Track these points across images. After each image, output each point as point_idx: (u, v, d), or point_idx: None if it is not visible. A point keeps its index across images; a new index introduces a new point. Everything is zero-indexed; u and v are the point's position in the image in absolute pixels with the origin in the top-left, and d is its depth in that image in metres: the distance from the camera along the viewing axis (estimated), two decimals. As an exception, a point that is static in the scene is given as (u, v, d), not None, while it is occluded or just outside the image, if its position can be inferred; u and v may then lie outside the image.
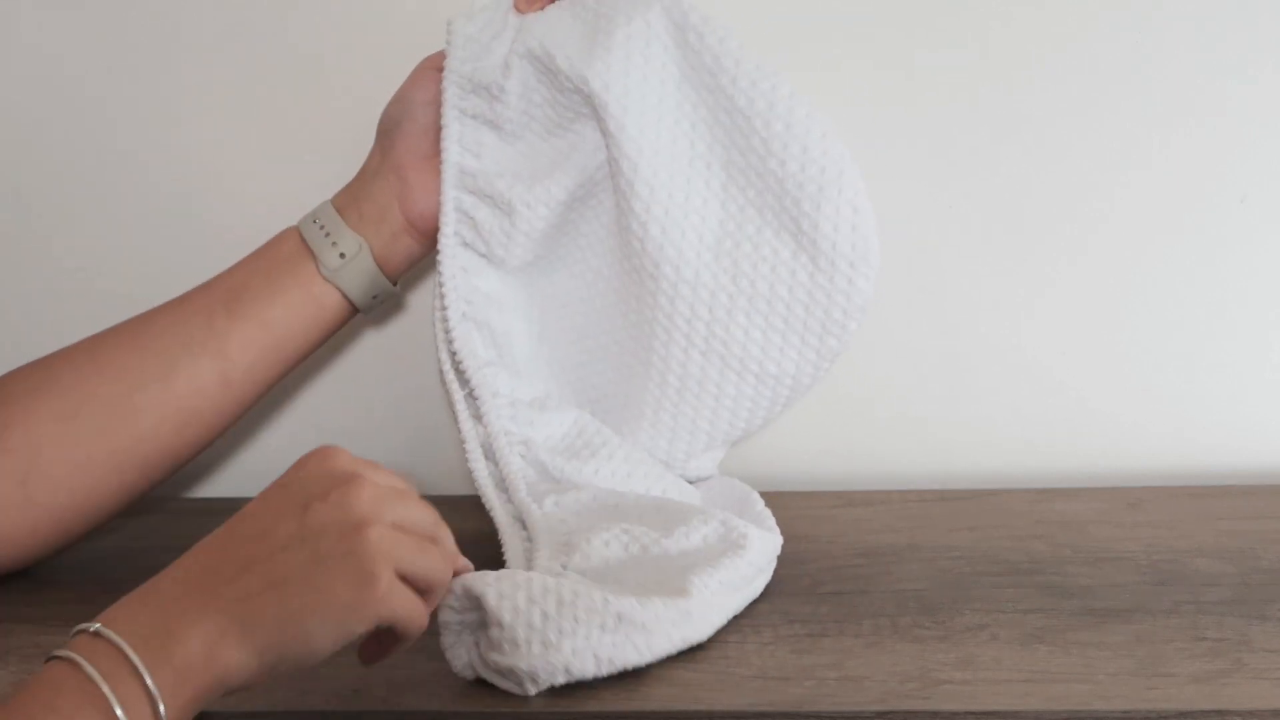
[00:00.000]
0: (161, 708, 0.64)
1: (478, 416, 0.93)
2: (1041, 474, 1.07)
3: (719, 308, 0.94)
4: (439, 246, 0.93)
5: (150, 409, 0.90)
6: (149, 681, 0.64)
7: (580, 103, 0.92)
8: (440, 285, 0.93)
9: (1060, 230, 1.03)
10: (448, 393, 0.94)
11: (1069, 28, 1.00)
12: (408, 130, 0.93)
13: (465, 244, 0.94)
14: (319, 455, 0.72)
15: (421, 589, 0.70)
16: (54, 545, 0.90)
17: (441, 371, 0.94)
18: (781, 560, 0.92)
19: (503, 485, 0.91)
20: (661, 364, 0.95)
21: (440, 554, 0.71)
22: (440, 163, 0.93)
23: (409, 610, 0.69)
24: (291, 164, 1.00)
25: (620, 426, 0.97)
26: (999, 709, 0.76)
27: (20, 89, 1.04)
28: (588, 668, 0.77)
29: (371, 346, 1.08)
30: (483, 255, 0.94)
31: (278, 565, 0.67)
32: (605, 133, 0.92)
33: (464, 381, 0.93)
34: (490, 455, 0.92)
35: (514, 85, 0.92)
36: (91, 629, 0.66)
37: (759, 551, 0.87)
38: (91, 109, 1.04)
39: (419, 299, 1.07)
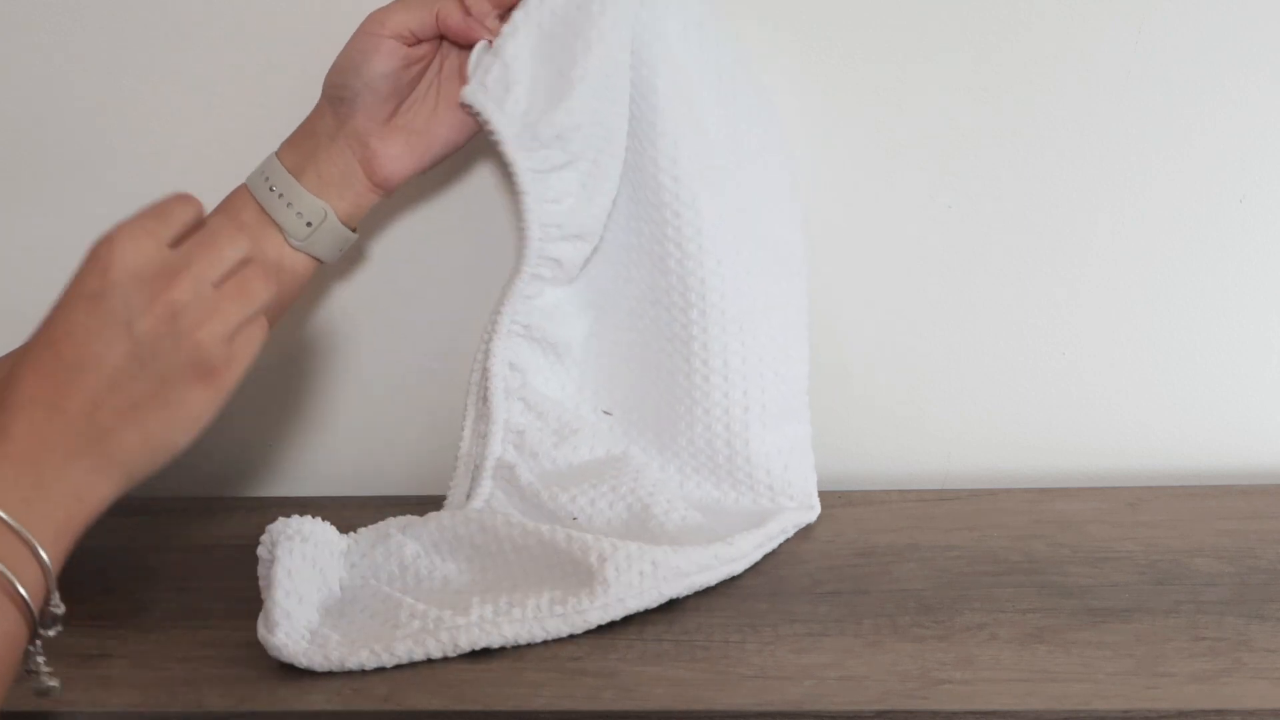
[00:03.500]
0: (47, 559, 0.67)
1: (483, 435, 0.95)
2: (1041, 474, 1.07)
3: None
4: (511, 288, 0.94)
5: None
6: (37, 548, 0.67)
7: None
8: (498, 314, 0.94)
9: (1059, 230, 1.03)
10: (465, 406, 0.97)
11: (1067, 27, 0.99)
12: (369, 102, 0.92)
13: (540, 279, 0.94)
14: (110, 251, 0.70)
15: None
16: None
17: (469, 384, 0.97)
18: (781, 560, 0.92)
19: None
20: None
21: (252, 274, 0.72)
22: (402, 126, 0.92)
23: (253, 354, 0.71)
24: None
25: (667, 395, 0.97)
26: (999, 709, 0.76)
27: (18, 87, 1.04)
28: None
29: (368, 345, 1.08)
30: (554, 281, 0.95)
31: (124, 394, 0.69)
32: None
33: (483, 399, 0.95)
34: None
35: (572, 118, 0.90)
36: None
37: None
38: (90, 108, 1.04)
39: (421, 308, 1.06)
